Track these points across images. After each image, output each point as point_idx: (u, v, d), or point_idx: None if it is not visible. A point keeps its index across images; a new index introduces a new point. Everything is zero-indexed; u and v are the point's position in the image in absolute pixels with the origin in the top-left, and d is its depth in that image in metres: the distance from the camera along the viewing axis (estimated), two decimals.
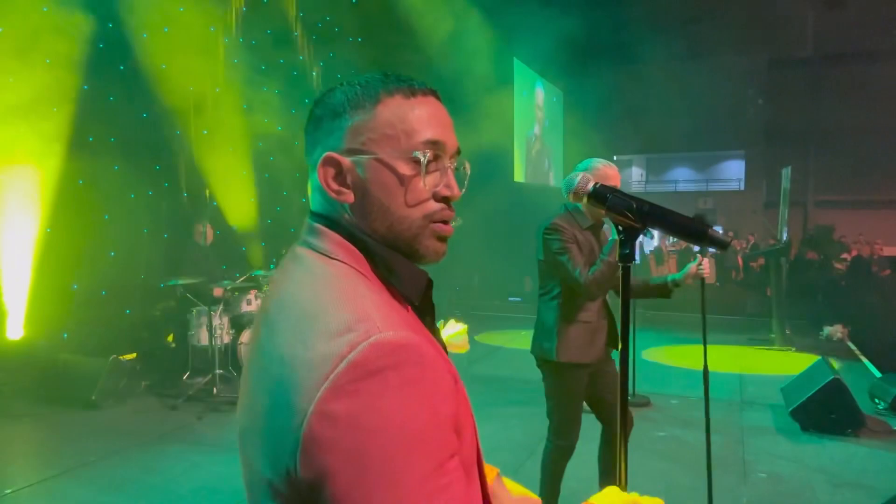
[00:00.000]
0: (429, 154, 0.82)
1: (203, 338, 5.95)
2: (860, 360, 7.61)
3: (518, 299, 12.26)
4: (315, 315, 0.74)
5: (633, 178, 24.59)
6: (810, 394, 4.92)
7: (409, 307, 0.85)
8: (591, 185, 1.12)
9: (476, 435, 0.84)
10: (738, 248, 15.09)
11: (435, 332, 0.89)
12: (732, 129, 20.05)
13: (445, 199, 0.85)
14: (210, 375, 5.69)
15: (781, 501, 3.79)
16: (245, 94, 7.89)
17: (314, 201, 0.87)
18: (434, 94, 0.86)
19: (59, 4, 5.82)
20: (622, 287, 1.10)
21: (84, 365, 5.60)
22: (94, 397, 5.37)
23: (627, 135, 19.25)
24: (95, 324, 6.16)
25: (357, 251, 0.82)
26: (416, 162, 0.81)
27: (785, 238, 8.88)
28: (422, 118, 0.82)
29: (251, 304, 6.42)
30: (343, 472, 0.66)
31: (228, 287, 6.17)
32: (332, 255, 0.81)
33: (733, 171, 22.86)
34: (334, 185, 0.82)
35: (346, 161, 0.82)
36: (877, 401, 5.50)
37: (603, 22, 12.93)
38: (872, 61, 18.90)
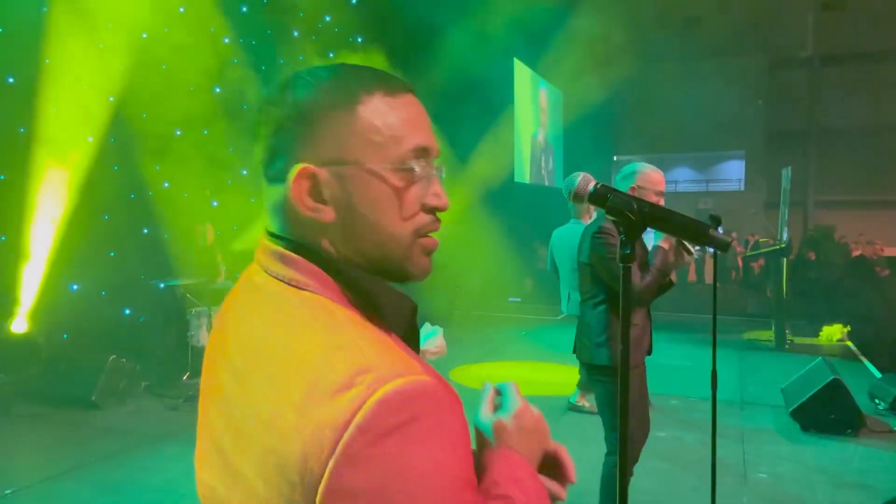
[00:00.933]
0: (421, 163, 0.72)
1: (203, 338, 5.95)
2: (860, 360, 7.62)
3: (518, 300, 12.27)
4: (298, 367, 0.62)
5: None
6: (810, 394, 4.92)
7: (394, 335, 0.74)
8: (591, 186, 1.12)
9: None
10: (738, 249, 15.09)
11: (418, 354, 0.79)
12: (732, 129, 20.04)
13: (432, 210, 0.74)
14: None
15: (781, 501, 3.79)
16: (245, 94, 7.89)
17: (275, 221, 0.73)
18: (412, 90, 0.75)
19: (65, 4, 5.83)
20: (622, 287, 1.10)
21: (84, 365, 5.60)
22: (94, 397, 5.37)
23: (627, 135, 19.25)
24: (95, 324, 6.16)
25: (331, 280, 0.70)
26: (406, 171, 0.71)
27: (785, 238, 8.88)
28: (408, 121, 0.72)
29: None
30: None
31: (228, 287, 6.17)
32: (302, 287, 0.69)
33: (733, 171, 22.85)
34: (310, 203, 0.69)
35: (324, 173, 0.69)
36: (877, 401, 5.50)
37: (603, 22, 12.94)
38: (872, 61, 18.90)
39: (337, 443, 0.57)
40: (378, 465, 0.57)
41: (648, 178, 2.67)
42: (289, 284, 0.70)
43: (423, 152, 0.72)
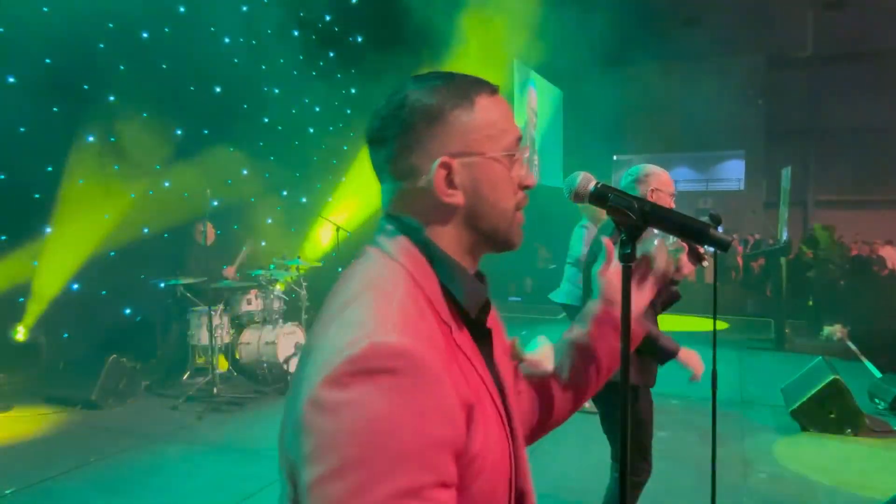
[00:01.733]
0: (519, 149, 0.87)
1: (203, 338, 5.95)
2: (860, 360, 7.61)
3: (518, 299, 12.27)
4: (344, 307, 0.76)
5: None
6: (810, 394, 4.92)
7: (464, 328, 0.83)
8: (591, 186, 1.12)
9: (508, 478, 0.80)
10: (738, 249, 15.09)
11: (490, 357, 0.87)
12: (732, 129, 20.04)
13: (526, 188, 0.89)
14: (210, 375, 5.69)
15: (781, 501, 3.79)
16: (245, 95, 7.90)
17: (395, 204, 0.87)
18: (498, 89, 0.89)
19: (59, 5, 5.83)
20: (623, 287, 1.10)
21: (84, 365, 5.59)
22: (94, 397, 5.37)
23: (627, 135, 19.25)
24: (95, 324, 6.16)
25: (424, 260, 0.83)
26: (512, 157, 0.86)
27: (785, 238, 8.89)
28: (506, 116, 0.87)
29: (251, 303, 6.42)
30: (316, 460, 0.65)
31: (228, 286, 6.18)
32: (393, 257, 0.83)
33: (733, 171, 22.85)
34: (447, 190, 0.83)
35: (455, 164, 0.83)
36: (877, 401, 5.50)
37: (603, 21, 12.93)
38: (872, 61, 18.90)
39: (331, 363, 0.68)
40: (346, 392, 0.66)
41: (663, 181, 2.65)
42: (384, 253, 0.83)
43: (518, 140, 0.88)
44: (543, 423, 1.09)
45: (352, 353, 0.68)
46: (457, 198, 0.83)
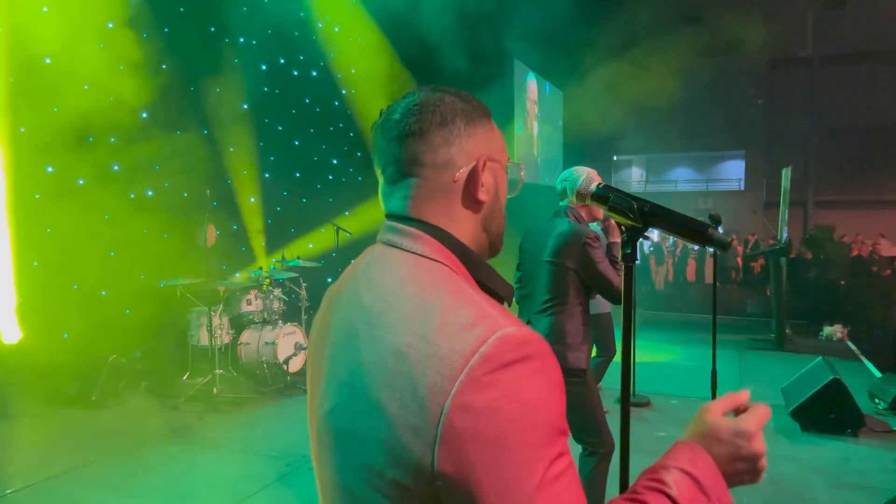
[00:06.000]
0: (512, 164, 0.98)
1: (203, 338, 5.95)
2: (860, 360, 7.61)
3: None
4: (429, 311, 0.77)
5: (633, 178, 24.59)
6: (810, 394, 4.92)
7: None
8: (593, 186, 1.12)
9: None
10: (738, 249, 15.09)
11: None
12: (732, 129, 20.07)
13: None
14: (210, 375, 5.69)
15: (781, 501, 3.79)
16: (245, 95, 7.89)
17: (417, 200, 0.89)
18: None
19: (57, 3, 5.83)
20: (624, 286, 1.11)
21: (84, 365, 5.59)
22: (94, 397, 5.37)
23: (627, 135, 19.25)
24: (95, 324, 6.15)
25: (453, 255, 0.86)
26: (516, 167, 0.99)
27: (785, 238, 8.88)
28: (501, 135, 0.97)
29: (251, 304, 6.42)
30: (486, 459, 0.70)
31: (228, 286, 6.17)
32: (429, 256, 0.85)
33: (733, 171, 22.87)
34: (480, 185, 0.89)
35: (488, 164, 0.90)
36: (877, 401, 5.50)
37: (603, 21, 12.94)
38: (872, 61, 18.91)
39: (464, 367, 0.71)
40: (494, 389, 0.71)
41: (593, 178, 2.71)
42: (416, 255, 0.85)
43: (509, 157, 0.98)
44: None
45: (485, 352, 0.72)
46: (483, 195, 0.89)
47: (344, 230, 6.86)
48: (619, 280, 2.71)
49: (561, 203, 2.90)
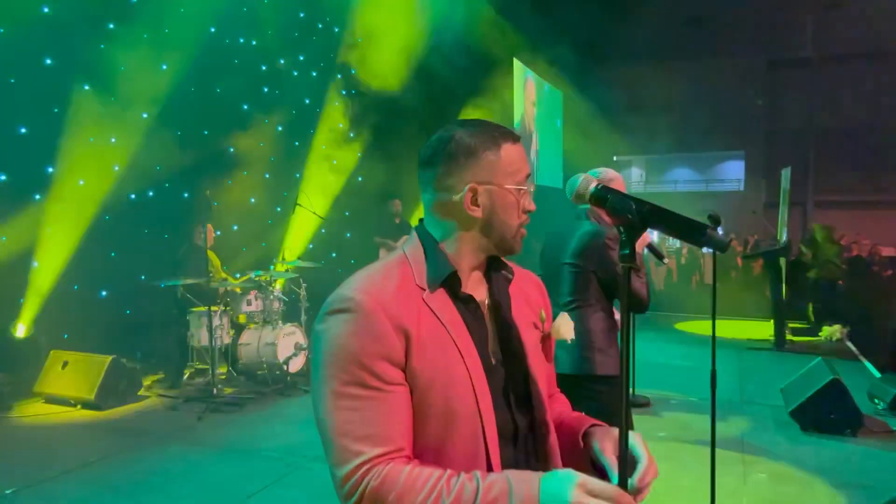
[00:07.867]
0: (526, 184, 1.19)
1: (203, 338, 5.95)
2: (860, 360, 7.62)
3: None
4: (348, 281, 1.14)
5: (633, 178, 24.55)
6: (810, 394, 4.92)
7: (447, 294, 1.15)
8: (592, 187, 1.12)
9: (467, 390, 1.09)
10: (738, 250, 15.08)
11: (475, 309, 1.17)
12: (732, 129, 20.04)
13: (528, 212, 1.21)
14: (210, 376, 5.69)
15: (781, 501, 3.79)
16: (245, 95, 7.89)
17: (433, 210, 1.19)
18: (519, 138, 1.21)
19: (58, 4, 5.83)
20: (622, 287, 1.11)
21: (84, 365, 5.60)
22: (93, 397, 5.37)
23: (627, 135, 19.24)
24: (95, 324, 6.16)
25: (422, 250, 1.18)
26: (522, 189, 1.17)
27: (785, 238, 8.88)
28: (521, 159, 1.18)
29: (251, 304, 6.41)
30: (312, 369, 1.10)
31: (228, 287, 6.17)
32: (405, 251, 1.19)
33: (733, 172, 22.84)
34: (471, 206, 1.15)
35: (481, 189, 1.15)
36: (876, 401, 5.50)
37: (603, 21, 12.94)
38: (872, 61, 18.90)
39: (322, 307, 1.10)
40: (322, 324, 1.08)
41: (608, 178, 2.67)
42: (402, 249, 1.20)
43: (528, 177, 1.20)
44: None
45: (329, 300, 1.09)
46: (477, 213, 1.16)
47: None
48: (640, 285, 2.63)
49: (581, 206, 2.85)
